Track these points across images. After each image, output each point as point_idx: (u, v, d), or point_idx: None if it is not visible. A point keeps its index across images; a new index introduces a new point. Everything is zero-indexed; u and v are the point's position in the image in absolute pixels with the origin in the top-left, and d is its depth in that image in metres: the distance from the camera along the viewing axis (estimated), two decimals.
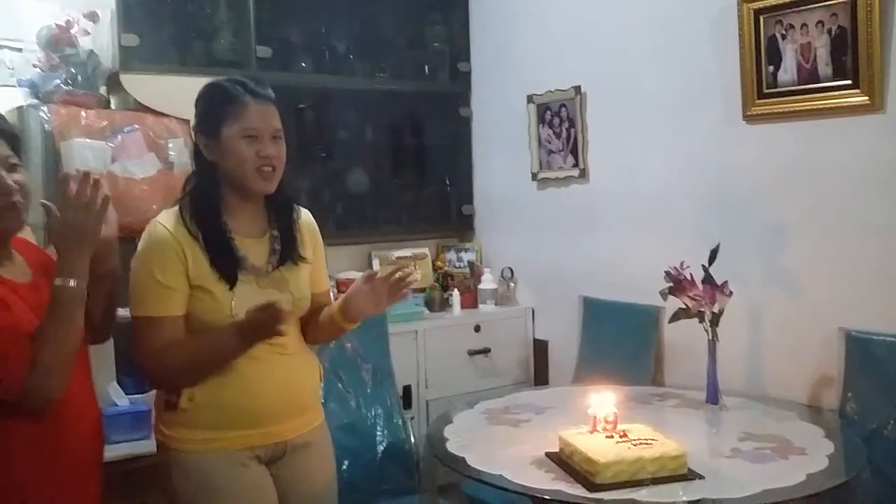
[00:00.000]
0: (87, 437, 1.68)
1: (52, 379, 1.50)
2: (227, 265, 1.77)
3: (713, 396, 2.43)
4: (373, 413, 2.88)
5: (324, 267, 2.06)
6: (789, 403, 2.49)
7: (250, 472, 1.80)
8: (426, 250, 3.74)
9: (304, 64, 3.48)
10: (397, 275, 1.88)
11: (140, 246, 1.79)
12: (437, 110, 3.89)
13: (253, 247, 1.83)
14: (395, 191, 3.85)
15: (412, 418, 3.13)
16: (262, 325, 1.69)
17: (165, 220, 1.79)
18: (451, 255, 3.81)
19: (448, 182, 3.94)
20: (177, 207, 1.82)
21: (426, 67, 3.84)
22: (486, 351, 3.46)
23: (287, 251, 1.88)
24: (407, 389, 3.21)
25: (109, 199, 1.57)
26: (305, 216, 1.99)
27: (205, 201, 1.81)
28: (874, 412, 2.31)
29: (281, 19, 3.41)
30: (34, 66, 2.80)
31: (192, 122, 1.87)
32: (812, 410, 2.47)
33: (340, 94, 3.65)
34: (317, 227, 2.02)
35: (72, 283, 1.52)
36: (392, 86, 3.71)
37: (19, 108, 2.66)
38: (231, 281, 1.77)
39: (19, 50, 2.93)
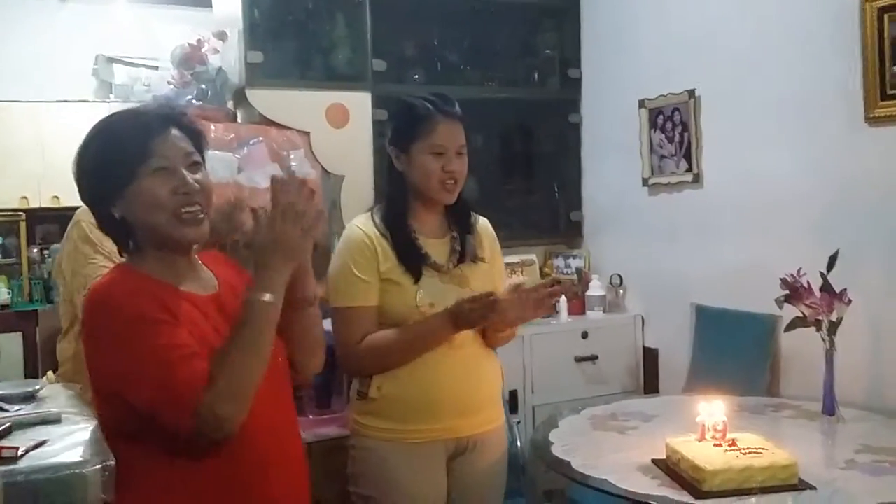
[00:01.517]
0: (293, 483, 1.49)
1: (226, 403, 1.28)
2: (412, 261, 1.99)
3: (830, 408, 2.34)
4: None
5: (501, 271, 2.22)
6: None
7: (427, 468, 1.96)
8: (534, 256, 3.75)
9: (416, 76, 3.57)
10: (546, 290, 1.97)
11: (338, 245, 2.05)
12: (547, 117, 3.91)
13: (435, 246, 2.04)
14: (504, 197, 3.89)
15: (518, 423, 3.14)
16: (476, 312, 1.88)
17: (360, 223, 2.04)
18: (559, 262, 3.82)
19: (556, 188, 3.95)
20: (369, 212, 2.07)
21: (536, 74, 3.86)
22: (593, 358, 3.44)
23: (466, 251, 2.06)
24: (513, 394, 3.24)
25: (322, 216, 1.43)
26: (483, 222, 2.19)
27: (393, 206, 2.04)
28: None
29: (396, 34, 3.53)
30: (168, 83, 3.02)
31: (388, 136, 2.09)
32: None
33: None
34: (494, 234, 2.20)
35: (266, 297, 1.34)
36: (502, 94, 3.75)
37: None
38: (416, 275, 1.97)
39: (155, 68, 3.19)
